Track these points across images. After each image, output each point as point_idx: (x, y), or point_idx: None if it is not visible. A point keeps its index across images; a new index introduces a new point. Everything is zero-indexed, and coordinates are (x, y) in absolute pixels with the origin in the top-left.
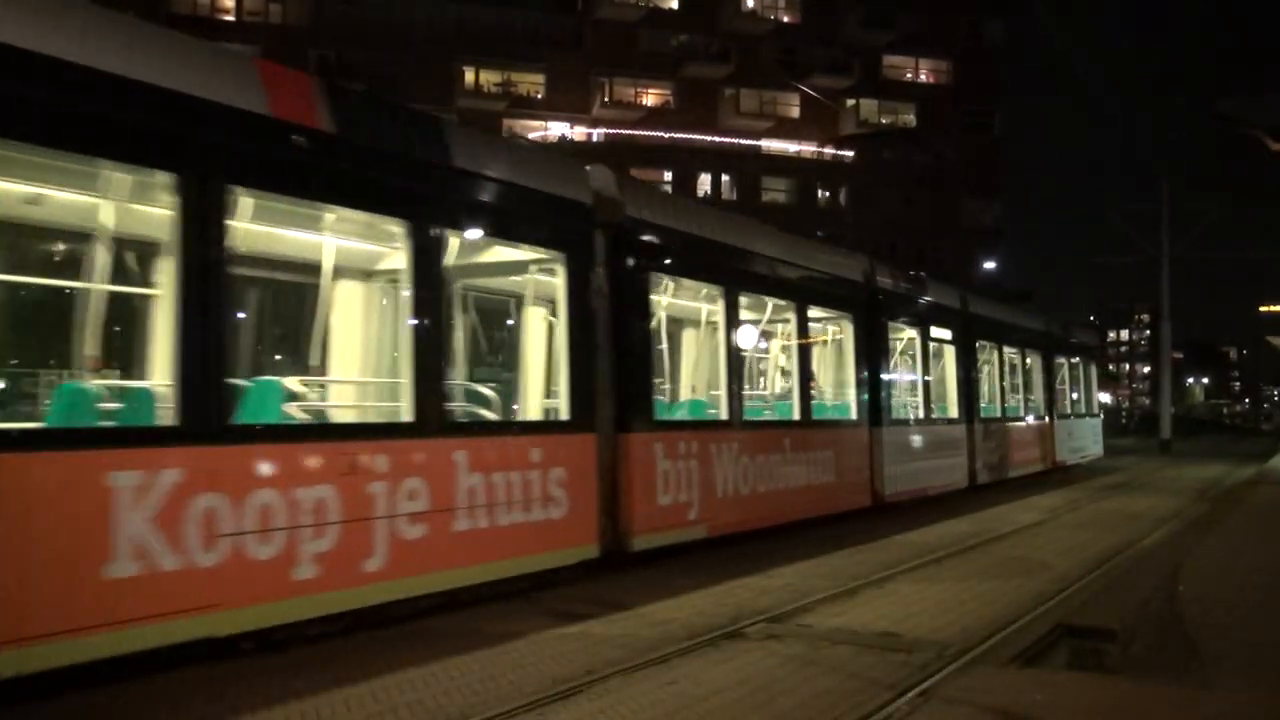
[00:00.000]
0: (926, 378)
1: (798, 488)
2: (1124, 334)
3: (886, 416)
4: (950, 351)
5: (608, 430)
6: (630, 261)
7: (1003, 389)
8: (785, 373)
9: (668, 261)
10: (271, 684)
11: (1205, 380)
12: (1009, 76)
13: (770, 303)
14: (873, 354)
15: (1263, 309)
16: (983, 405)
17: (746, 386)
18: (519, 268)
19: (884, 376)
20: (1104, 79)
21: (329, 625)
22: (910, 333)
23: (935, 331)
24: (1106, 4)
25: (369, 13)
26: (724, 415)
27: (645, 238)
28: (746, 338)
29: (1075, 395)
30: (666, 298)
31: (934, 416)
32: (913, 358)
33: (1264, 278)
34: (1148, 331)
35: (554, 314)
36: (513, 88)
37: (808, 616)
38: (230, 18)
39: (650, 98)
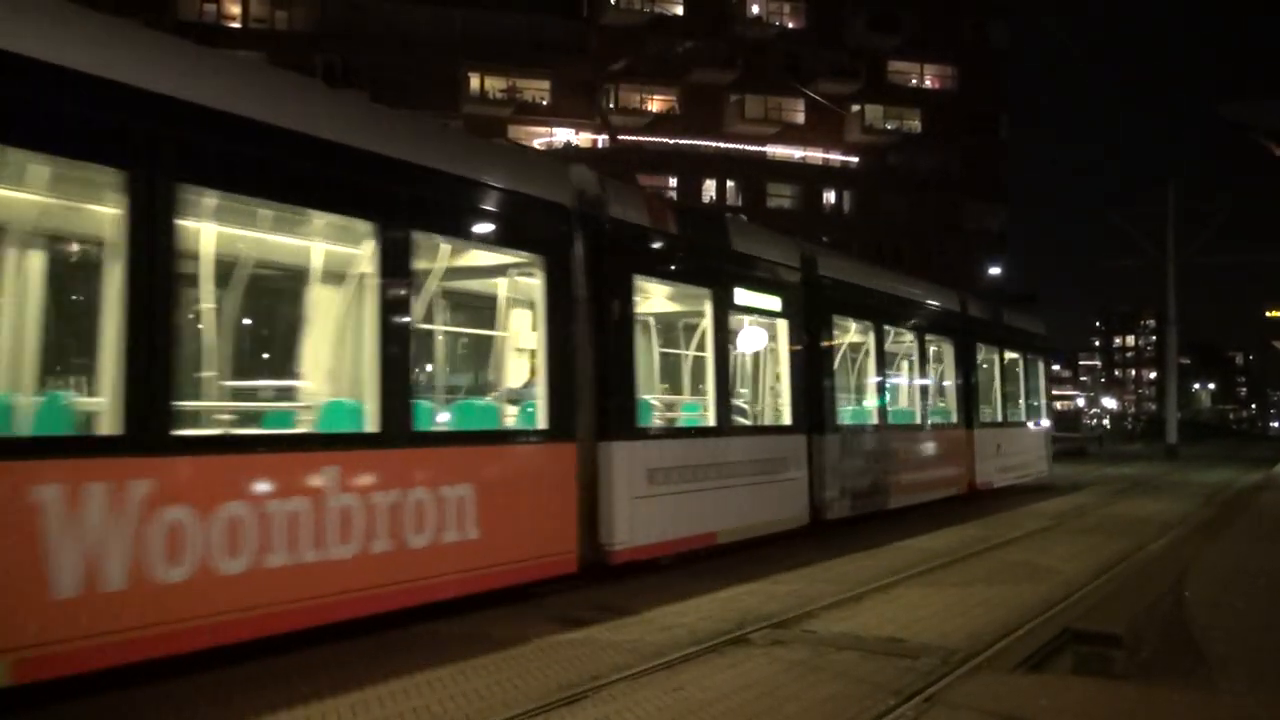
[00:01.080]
0: (722, 364)
1: None
2: (1130, 339)
3: (625, 424)
4: (778, 331)
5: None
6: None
7: (881, 386)
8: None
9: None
10: (278, 690)
11: (1211, 385)
12: (1012, 78)
13: None
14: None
15: (1269, 314)
16: (844, 408)
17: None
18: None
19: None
20: (1105, 80)
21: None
22: (695, 293)
23: (743, 297)
24: (1107, 4)
25: (374, 18)
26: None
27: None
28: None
29: (1010, 398)
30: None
31: (738, 423)
32: (703, 335)
33: (1270, 282)
34: (1153, 336)
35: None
36: (518, 93)
37: (813, 622)
38: (236, 25)
39: (656, 104)
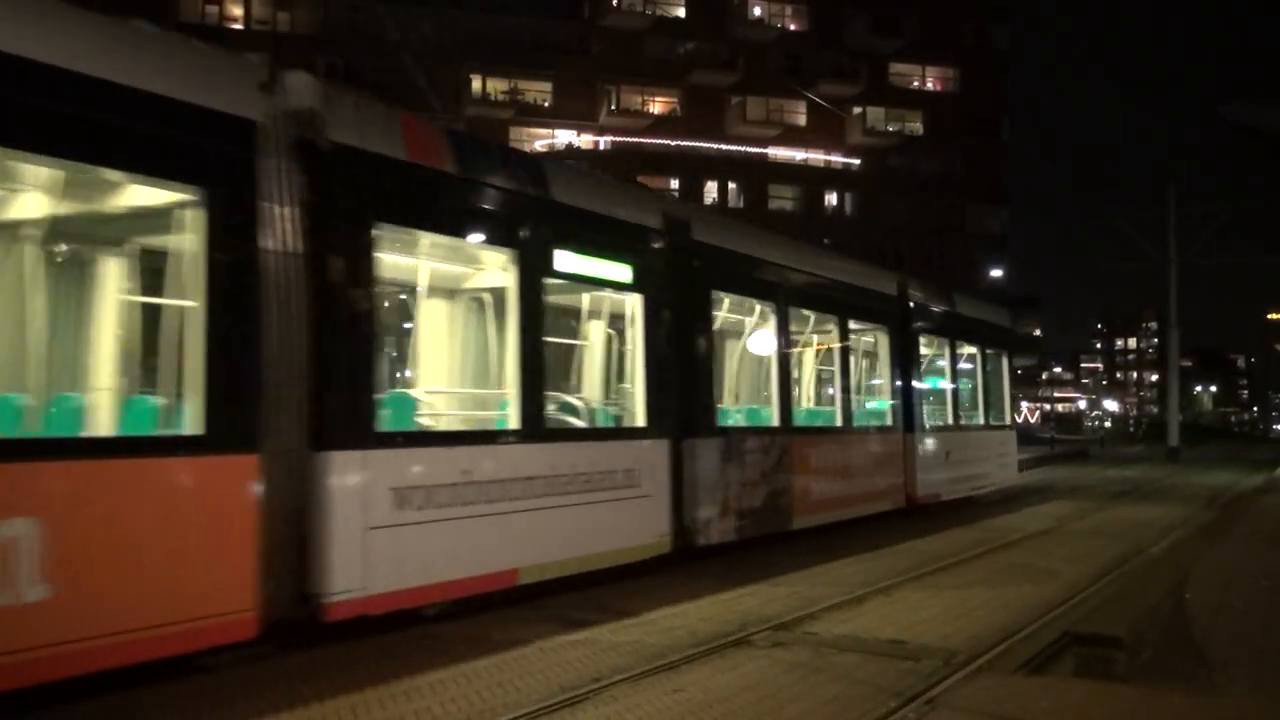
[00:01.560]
0: (531, 349)
1: None
2: (1131, 341)
3: (357, 427)
4: (629, 310)
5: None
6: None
7: (785, 381)
8: None
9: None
10: (280, 691)
11: (1213, 388)
12: (1013, 79)
13: None
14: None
15: (1271, 316)
16: (731, 408)
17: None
18: None
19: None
20: (1105, 80)
21: None
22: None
23: (569, 262)
24: (1108, 5)
25: (376, 20)
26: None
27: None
28: None
29: (965, 398)
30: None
31: (559, 424)
32: (505, 310)
33: (1272, 284)
34: (1155, 339)
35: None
36: (520, 95)
37: (814, 624)
38: (239, 26)
39: (657, 105)
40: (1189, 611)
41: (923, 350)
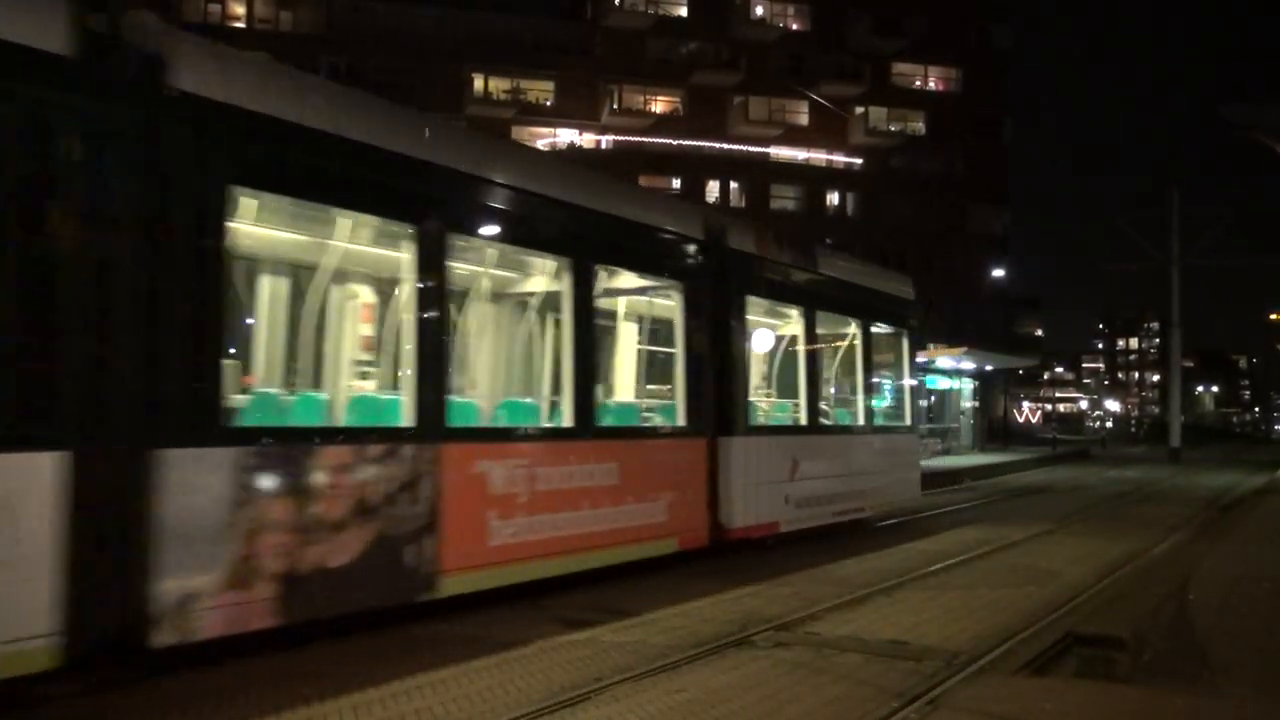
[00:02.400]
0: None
1: None
2: (1133, 341)
3: None
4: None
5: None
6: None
7: (426, 358)
8: None
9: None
10: (280, 691)
11: (1215, 389)
12: (1015, 79)
13: None
14: None
15: (1272, 317)
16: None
17: None
18: None
19: None
20: (1106, 80)
21: None
22: None
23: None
24: (1110, 5)
25: (379, 20)
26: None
27: None
28: None
29: (828, 389)
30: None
31: None
32: None
33: (1274, 285)
34: (1157, 339)
35: None
36: (522, 95)
37: (816, 624)
38: (241, 25)
39: (659, 105)
40: (1192, 612)
41: (754, 322)
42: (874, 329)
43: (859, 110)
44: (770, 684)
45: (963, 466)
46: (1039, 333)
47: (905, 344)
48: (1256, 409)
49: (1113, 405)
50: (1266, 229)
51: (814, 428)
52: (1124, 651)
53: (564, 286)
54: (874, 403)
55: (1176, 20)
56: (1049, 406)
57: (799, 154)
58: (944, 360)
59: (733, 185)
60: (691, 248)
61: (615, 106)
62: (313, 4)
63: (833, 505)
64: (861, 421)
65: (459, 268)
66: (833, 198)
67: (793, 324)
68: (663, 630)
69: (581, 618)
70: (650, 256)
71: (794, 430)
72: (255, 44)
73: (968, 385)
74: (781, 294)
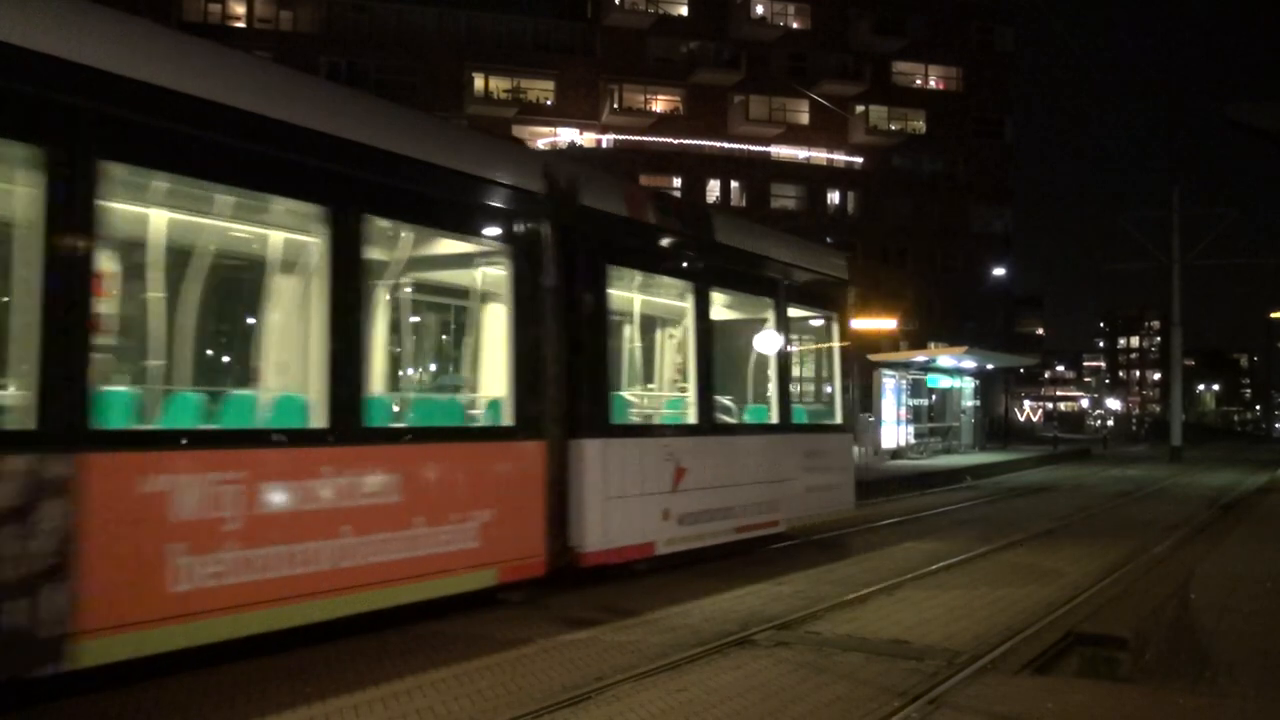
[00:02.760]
0: None
1: None
2: (1134, 340)
3: None
4: None
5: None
6: None
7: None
8: None
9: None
10: (281, 690)
11: (1216, 387)
12: (1017, 79)
13: None
14: None
15: (1274, 315)
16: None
17: None
18: None
19: None
20: (1106, 80)
21: None
22: None
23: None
24: (1110, 6)
25: (379, 19)
26: None
27: None
28: None
29: (728, 379)
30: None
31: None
32: None
33: (1275, 284)
34: (1158, 338)
35: None
36: (523, 94)
37: (818, 624)
38: (241, 24)
39: (660, 104)
40: (1194, 612)
41: (622, 299)
42: (794, 311)
43: (860, 109)
44: (772, 683)
45: (964, 465)
46: (1040, 331)
47: (835, 330)
48: (1257, 407)
49: (1114, 404)
50: (1268, 228)
51: (708, 427)
52: (1126, 651)
53: (319, 241)
54: (793, 398)
55: (1181, 19)
56: (1050, 405)
57: (800, 153)
58: (945, 359)
59: (733, 184)
60: (522, 203)
61: (616, 105)
62: (313, 4)
63: (732, 520)
64: (775, 419)
65: (120, 208)
66: (833, 197)
67: (681, 303)
68: (664, 629)
69: (583, 617)
70: (454, 209)
71: (679, 430)
72: (255, 45)
73: (969, 384)
74: (663, 266)
